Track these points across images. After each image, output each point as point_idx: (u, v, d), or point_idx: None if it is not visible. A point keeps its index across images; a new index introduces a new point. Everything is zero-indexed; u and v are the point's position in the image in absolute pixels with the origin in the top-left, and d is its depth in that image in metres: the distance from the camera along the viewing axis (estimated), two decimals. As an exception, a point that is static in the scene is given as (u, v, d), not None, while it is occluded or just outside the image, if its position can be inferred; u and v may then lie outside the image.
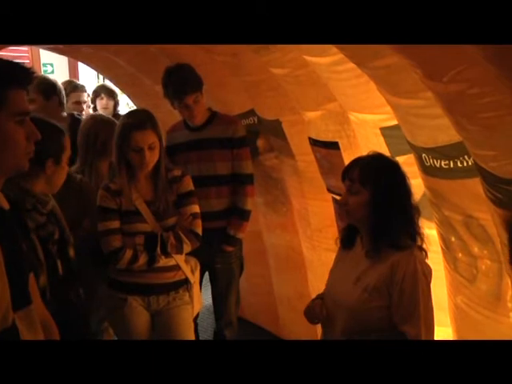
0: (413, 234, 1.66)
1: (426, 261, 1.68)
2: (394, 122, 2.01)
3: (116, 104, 3.84)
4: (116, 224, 2.16)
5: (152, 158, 2.15)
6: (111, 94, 3.86)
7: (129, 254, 2.15)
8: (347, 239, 1.75)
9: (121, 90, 4.02)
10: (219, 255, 2.69)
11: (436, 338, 2.08)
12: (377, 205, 1.63)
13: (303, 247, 2.99)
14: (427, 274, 1.63)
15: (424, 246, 1.69)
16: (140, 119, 2.16)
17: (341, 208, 1.70)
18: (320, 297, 1.80)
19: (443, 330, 2.06)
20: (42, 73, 5.63)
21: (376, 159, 1.71)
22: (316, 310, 1.73)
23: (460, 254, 1.84)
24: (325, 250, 2.72)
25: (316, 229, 2.82)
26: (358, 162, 1.71)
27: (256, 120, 3.08)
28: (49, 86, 2.99)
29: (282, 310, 3.31)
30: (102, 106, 3.83)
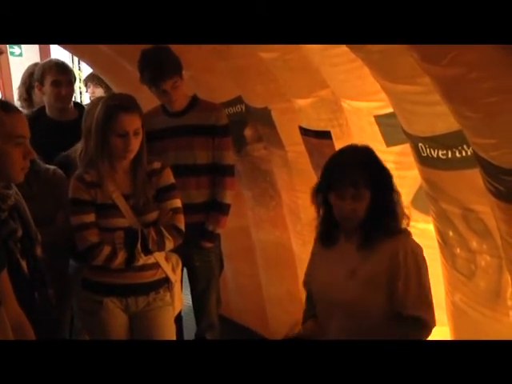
0: (400, 217, 1.72)
1: None
2: (390, 110, 2.01)
3: (108, 89, 3.82)
4: (91, 217, 2.12)
5: (136, 145, 2.12)
6: (99, 81, 3.85)
7: (107, 250, 2.12)
8: (329, 237, 1.76)
9: (99, 74, 3.98)
10: (197, 252, 2.67)
11: (433, 338, 2.11)
12: (377, 201, 1.67)
13: (293, 243, 2.99)
14: (424, 255, 1.71)
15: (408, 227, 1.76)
16: (126, 101, 2.14)
17: (347, 216, 1.68)
18: (309, 315, 1.79)
19: (440, 329, 2.07)
20: (9, 55, 5.53)
21: (364, 154, 1.72)
22: (310, 336, 1.74)
23: (458, 250, 1.85)
24: (316, 246, 2.72)
25: (307, 224, 2.80)
26: (355, 164, 1.68)
27: (243, 108, 3.07)
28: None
29: (272, 310, 3.31)
30: (89, 94, 3.83)
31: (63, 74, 2.94)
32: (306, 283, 1.92)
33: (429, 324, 1.69)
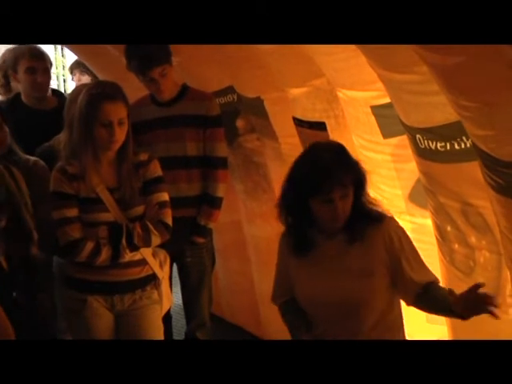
0: (379, 202, 1.76)
1: None
2: (387, 100, 2.01)
3: (96, 77, 3.80)
4: (74, 212, 2.11)
5: (120, 135, 2.11)
6: (86, 68, 3.82)
7: (90, 246, 2.11)
8: (307, 244, 1.73)
9: (84, 61, 3.96)
10: (188, 248, 2.67)
11: (431, 338, 2.12)
12: (360, 193, 1.69)
13: (287, 239, 2.99)
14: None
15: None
16: (110, 89, 2.13)
17: (336, 217, 1.67)
18: (302, 326, 1.77)
19: (439, 328, 2.09)
20: None
21: (339, 151, 1.71)
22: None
23: (456, 245, 1.86)
24: (310, 242, 2.72)
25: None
26: (338, 163, 1.66)
27: (235, 97, 3.06)
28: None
29: (264, 309, 3.32)
30: (75, 82, 3.80)
31: (37, 60, 2.86)
32: (278, 297, 1.87)
33: (439, 281, 1.76)
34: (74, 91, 2.61)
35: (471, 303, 1.54)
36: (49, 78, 2.96)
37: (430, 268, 1.79)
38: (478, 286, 1.54)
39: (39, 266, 2.22)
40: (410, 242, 1.74)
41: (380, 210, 1.73)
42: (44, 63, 2.89)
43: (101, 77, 3.74)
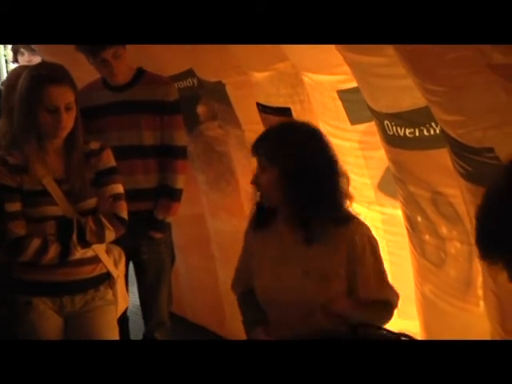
0: (343, 205, 1.75)
1: None
2: (354, 84, 2.02)
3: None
4: (17, 206, 2.06)
5: (68, 122, 2.06)
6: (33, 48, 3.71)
7: (36, 243, 2.06)
8: (262, 223, 1.77)
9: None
10: (145, 243, 2.65)
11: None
12: (294, 183, 1.68)
13: (252, 233, 3.00)
14: (374, 234, 1.79)
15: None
16: (55, 71, 2.08)
17: (256, 189, 1.72)
18: (257, 321, 1.79)
19: (410, 323, 2.12)
20: None
21: (285, 129, 1.74)
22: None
23: (427, 236, 1.89)
24: (277, 235, 2.73)
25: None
26: (267, 133, 1.74)
27: (195, 82, 3.04)
28: None
29: (229, 307, 3.32)
30: (24, 63, 3.68)
31: None
32: (238, 286, 1.92)
33: (395, 303, 1.77)
34: (12, 74, 2.53)
35: None
36: None
37: (400, 263, 1.82)
38: None
39: None
40: (376, 256, 1.72)
41: (348, 212, 1.73)
42: None
43: (46, 58, 3.65)
